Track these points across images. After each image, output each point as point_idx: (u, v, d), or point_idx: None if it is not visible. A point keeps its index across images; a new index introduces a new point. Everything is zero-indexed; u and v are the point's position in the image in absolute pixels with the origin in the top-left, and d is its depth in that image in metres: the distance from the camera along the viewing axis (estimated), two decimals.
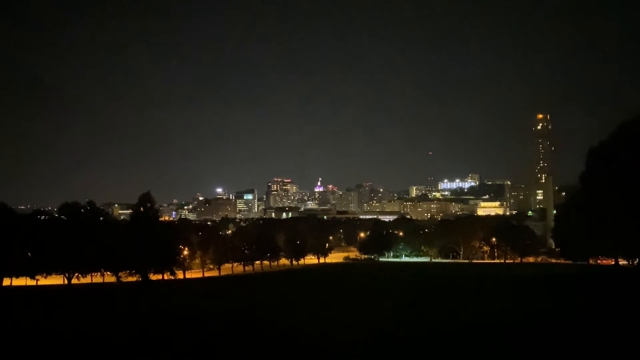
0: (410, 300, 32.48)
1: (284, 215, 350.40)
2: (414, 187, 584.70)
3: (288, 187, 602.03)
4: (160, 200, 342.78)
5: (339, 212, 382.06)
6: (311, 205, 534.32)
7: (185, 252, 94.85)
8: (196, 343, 18.70)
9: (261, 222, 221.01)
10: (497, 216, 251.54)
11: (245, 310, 29.32)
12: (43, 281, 76.08)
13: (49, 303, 39.48)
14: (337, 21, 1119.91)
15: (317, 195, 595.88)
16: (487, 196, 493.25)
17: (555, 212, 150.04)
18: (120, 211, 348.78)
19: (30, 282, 77.38)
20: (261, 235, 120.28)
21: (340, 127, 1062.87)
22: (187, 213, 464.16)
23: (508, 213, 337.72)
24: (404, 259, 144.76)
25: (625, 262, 75.91)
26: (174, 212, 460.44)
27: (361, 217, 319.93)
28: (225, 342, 18.77)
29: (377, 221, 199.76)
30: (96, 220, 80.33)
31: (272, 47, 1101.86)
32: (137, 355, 16.81)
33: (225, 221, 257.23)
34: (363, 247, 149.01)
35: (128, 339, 19.92)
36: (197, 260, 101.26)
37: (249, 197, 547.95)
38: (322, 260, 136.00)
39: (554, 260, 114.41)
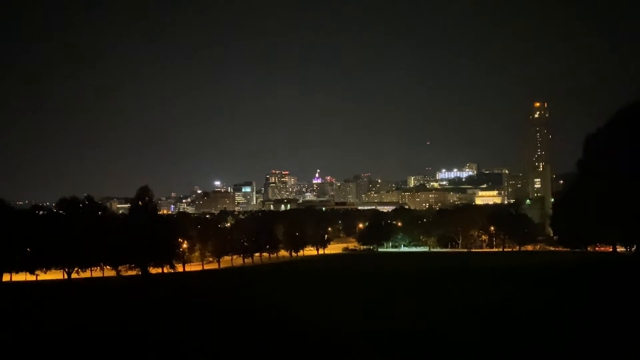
0: (415, 291, 32.50)
1: (283, 207, 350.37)
2: (412, 178, 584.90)
3: (286, 179, 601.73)
4: (158, 194, 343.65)
5: (337, 204, 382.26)
6: (309, 196, 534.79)
7: (185, 246, 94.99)
8: (198, 333, 18.75)
9: (260, 214, 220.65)
10: (495, 205, 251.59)
11: (246, 301, 29.38)
12: (43, 276, 76.08)
13: (50, 297, 39.51)
14: (335, 17, 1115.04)
15: (315, 186, 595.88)
16: (485, 185, 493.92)
17: (553, 200, 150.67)
18: (118, 205, 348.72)
19: (30, 277, 77.38)
20: (260, 228, 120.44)
21: (337, 118, 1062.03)
22: (185, 206, 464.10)
23: (506, 202, 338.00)
24: (403, 248, 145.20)
25: (623, 249, 76.23)
26: (172, 206, 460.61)
27: (360, 208, 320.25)
28: (227, 331, 18.82)
29: (375, 212, 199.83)
30: (95, 215, 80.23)
31: (271, 42, 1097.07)
32: (139, 349, 16.81)
33: (224, 214, 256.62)
34: (362, 237, 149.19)
35: (129, 334, 19.94)
36: (197, 253, 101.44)
37: (247, 189, 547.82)
38: (321, 251, 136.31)
39: (552, 248, 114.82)
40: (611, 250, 76.67)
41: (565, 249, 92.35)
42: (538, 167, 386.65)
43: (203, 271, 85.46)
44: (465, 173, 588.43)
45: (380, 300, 27.26)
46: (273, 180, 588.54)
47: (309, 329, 18.91)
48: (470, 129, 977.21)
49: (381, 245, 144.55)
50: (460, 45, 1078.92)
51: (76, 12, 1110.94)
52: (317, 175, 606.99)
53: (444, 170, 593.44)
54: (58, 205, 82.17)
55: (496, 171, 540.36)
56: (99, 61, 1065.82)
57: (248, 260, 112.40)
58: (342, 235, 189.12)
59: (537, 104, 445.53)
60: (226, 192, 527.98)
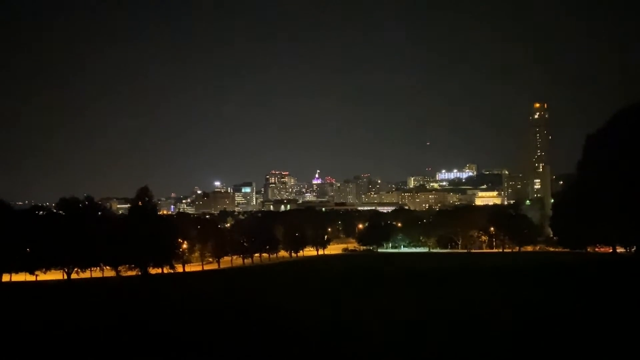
0: (414, 291, 32.54)
1: (283, 207, 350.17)
2: (412, 178, 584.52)
3: (286, 179, 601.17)
4: (158, 194, 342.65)
5: (337, 204, 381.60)
6: (309, 197, 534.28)
7: (184, 246, 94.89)
8: (199, 333, 18.78)
9: (260, 214, 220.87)
10: (495, 206, 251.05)
11: (245, 301, 29.41)
12: (42, 276, 76.04)
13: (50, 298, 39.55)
14: (335, 17, 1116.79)
15: (315, 187, 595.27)
16: (484, 186, 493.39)
17: (552, 200, 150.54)
18: (118, 205, 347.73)
19: (29, 277, 77.33)
20: (260, 228, 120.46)
21: (337, 119, 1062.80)
22: (185, 207, 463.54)
23: (506, 202, 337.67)
24: (403, 249, 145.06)
25: (622, 250, 76.23)
26: (172, 206, 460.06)
27: (359, 208, 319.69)
28: (228, 332, 18.84)
29: (375, 212, 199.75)
30: (94, 215, 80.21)
31: (271, 43, 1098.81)
32: (141, 350, 16.84)
33: (224, 214, 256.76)
34: (362, 238, 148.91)
35: (130, 334, 19.96)
36: (197, 254, 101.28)
37: (247, 190, 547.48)
38: (320, 252, 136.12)
39: (552, 249, 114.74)
40: (611, 251, 76.65)
41: (565, 250, 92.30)
42: (538, 168, 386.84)
43: (203, 272, 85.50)
44: (465, 174, 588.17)
45: (379, 301, 27.27)
46: (273, 180, 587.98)
47: (300, 329, 18.91)
48: (470, 130, 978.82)
49: (381, 246, 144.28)
50: (460, 45, 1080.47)
51: (76, 11, 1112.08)
52: (317, 175, 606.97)
53: (443, 171, 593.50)
54: (58, 205, 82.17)
55: (496, 172, 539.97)
56: (99, 61, 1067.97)
57: (248, 261, 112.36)
58: (341, 235, 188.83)
59: (537, 105, 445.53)
60: (226, 192, 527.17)
